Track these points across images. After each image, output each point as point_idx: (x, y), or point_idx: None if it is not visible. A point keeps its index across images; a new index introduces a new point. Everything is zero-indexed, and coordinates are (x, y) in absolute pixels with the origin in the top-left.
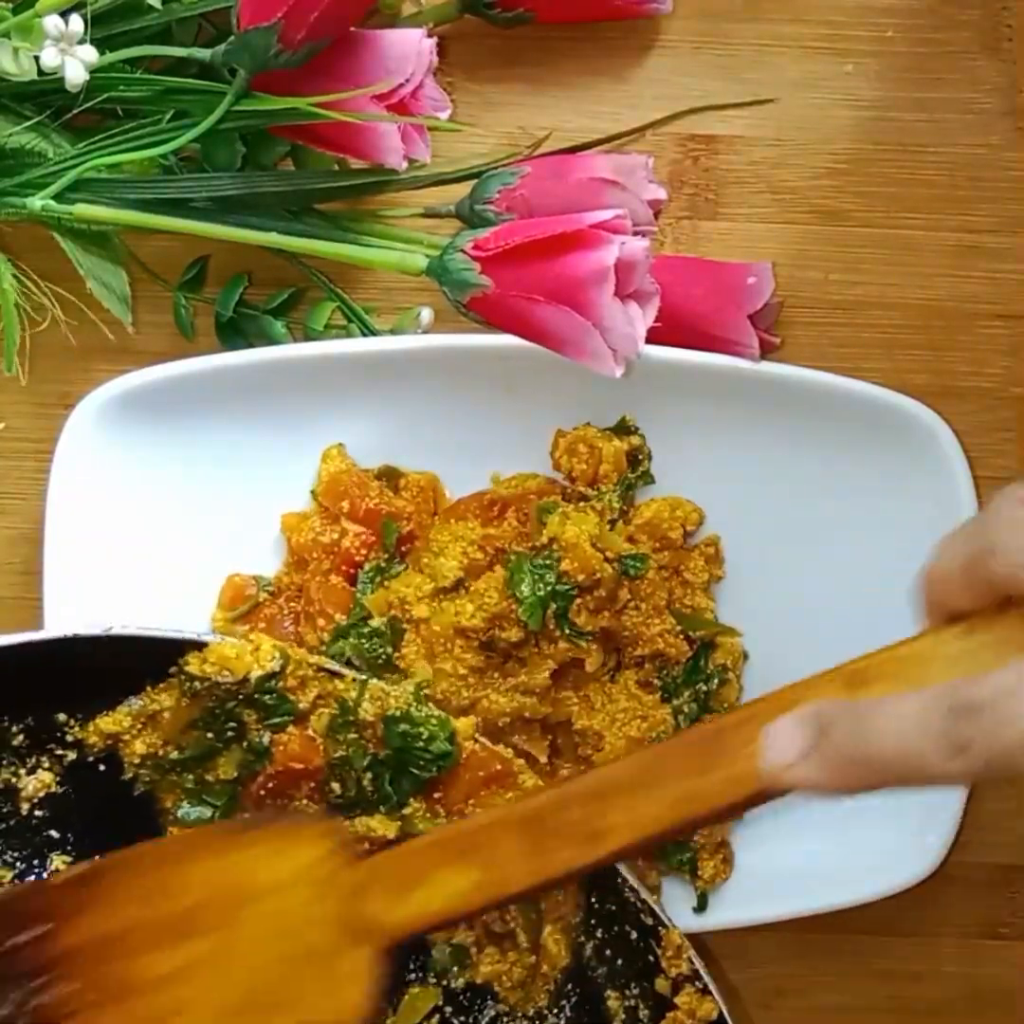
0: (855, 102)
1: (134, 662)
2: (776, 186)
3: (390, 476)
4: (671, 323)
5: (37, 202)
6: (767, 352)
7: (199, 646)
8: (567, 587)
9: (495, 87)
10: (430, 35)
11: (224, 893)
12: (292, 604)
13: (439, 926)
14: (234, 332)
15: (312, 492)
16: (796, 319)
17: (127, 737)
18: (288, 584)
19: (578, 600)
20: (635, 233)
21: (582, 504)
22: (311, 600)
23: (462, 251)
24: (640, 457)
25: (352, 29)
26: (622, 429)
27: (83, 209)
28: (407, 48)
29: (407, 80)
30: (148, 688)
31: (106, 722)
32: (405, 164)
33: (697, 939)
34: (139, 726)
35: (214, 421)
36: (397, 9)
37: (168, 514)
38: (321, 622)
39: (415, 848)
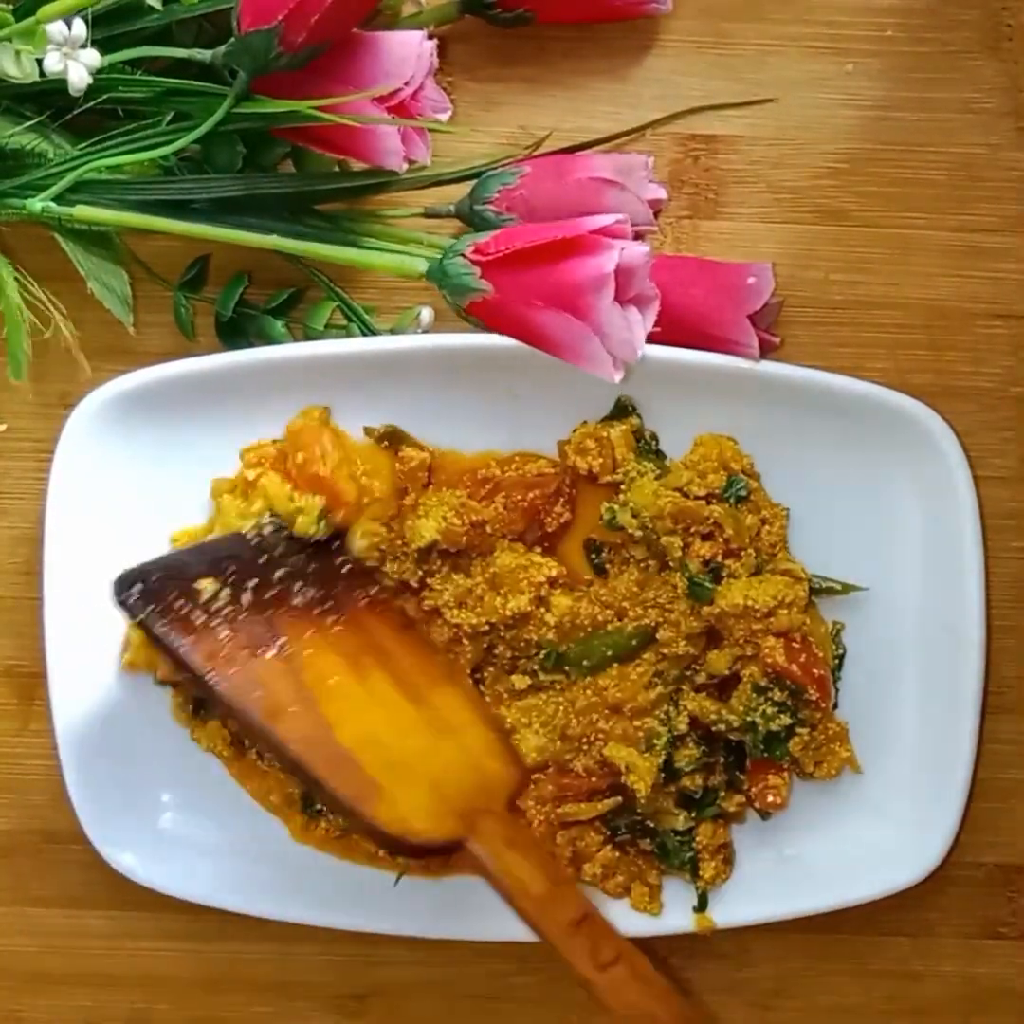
0: (856, 102)
1: None
2: (776, 186)
3: (393, 439)
4: (671, 323)
5: (37, 204)
6: (767, 352)
7: None
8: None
9: (495, 87)
10: (430, 35)
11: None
12: None
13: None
14: (234, 332)
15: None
16: (796, 319)
17: None
18: None
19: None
20: (635, 233)
21: (636, 472)
22: None
23: (462, 255)
24: (642, 435)
25: (353, 31)
26: (619, 411)
27: (83, 211)
28: (407, 50)
29: (407, 82)
30: None
31: None
32: (405, 166)
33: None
34: None
35: (214, 421)
36: (398, 9)
37: (167, 513)
38: None
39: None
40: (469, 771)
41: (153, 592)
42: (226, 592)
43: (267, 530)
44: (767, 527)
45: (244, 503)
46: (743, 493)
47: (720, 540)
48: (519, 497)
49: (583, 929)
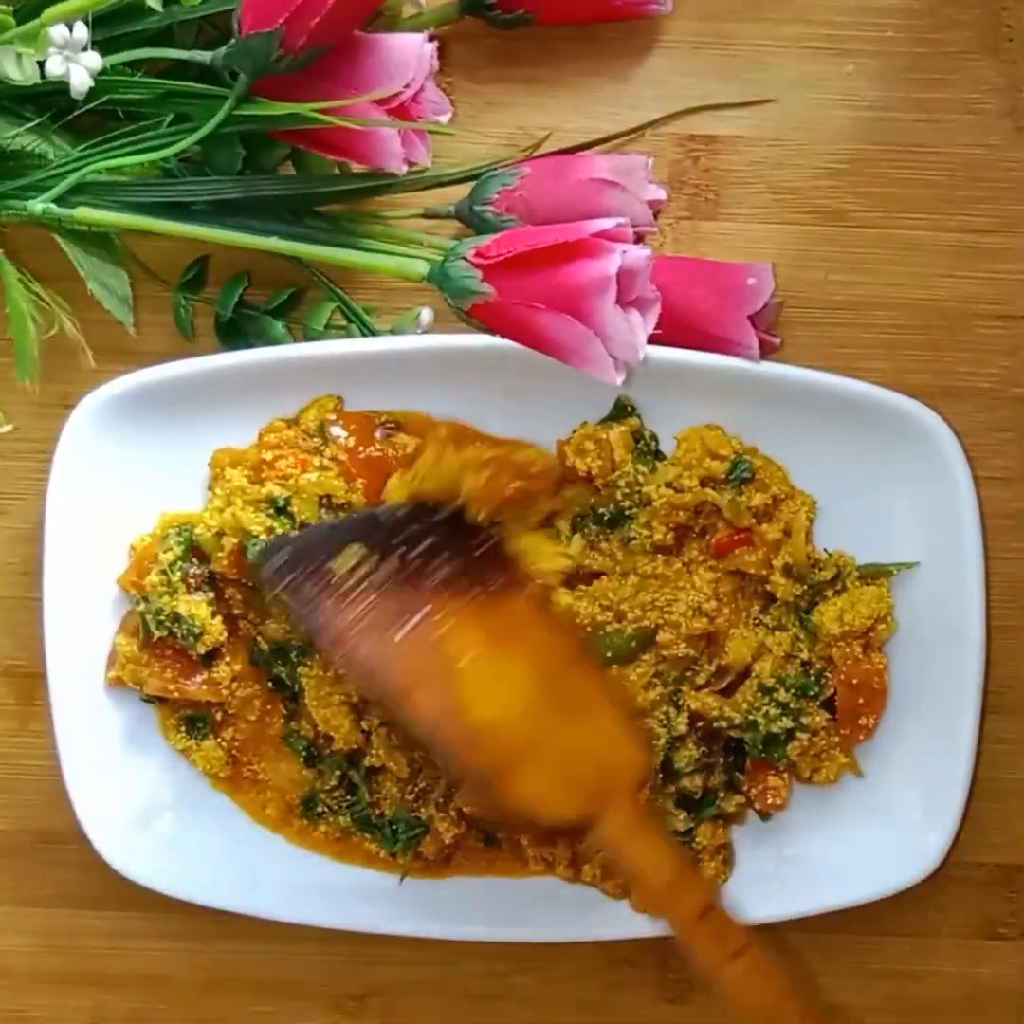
0: (855, 102)
1: None
2: (776, 186)
3: (389, 428)
4: (671, 323)
5: (38, 205)
6: (767, 352)
7: None
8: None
9: (495, 87)
10: (431, 37)
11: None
12: None
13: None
14: (234, 332)
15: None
16: (796, 319)
17: None
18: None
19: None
20: (635, 235)
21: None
22: None
23: (464, 258)
24: (641, 437)
25: (354, 33)
26: (619, 412)
27: (84, 213)
28: (408, 53)
29: (408, 85)
30: None
31: None
32: (405, 168)
33: None
34: None
35: (214, 421)
36: (398, 11)
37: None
38: None
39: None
40: (599, 754)
41: (294, 561)
42: (367, 564)
43: (401, 512)
44: (787, 503)
45: (253, 488)
46: (747, 474)
47: (722, 526)
48: (505, 479)
49: (708, 920)
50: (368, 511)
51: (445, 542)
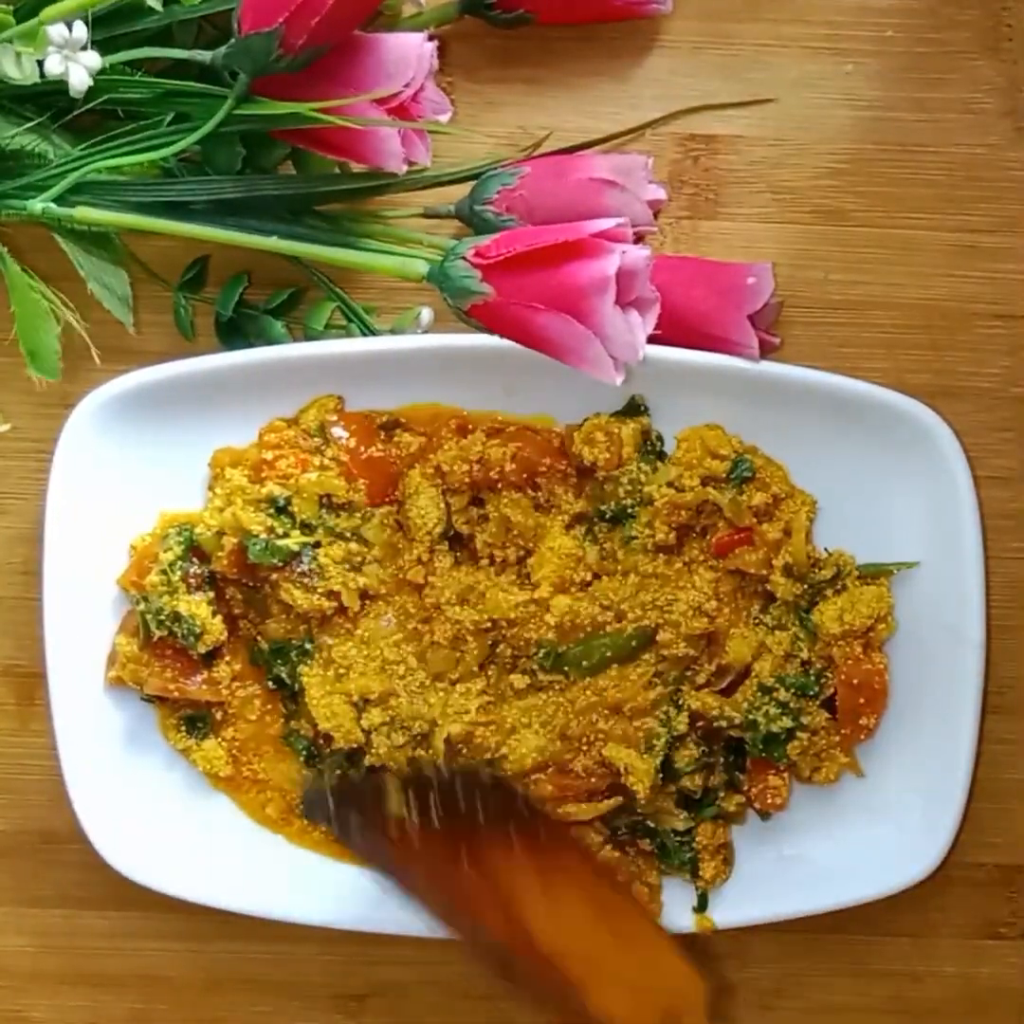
0: (855, 102)
1: None
2: (776, 186)
3: (389, 428)
4: (671, 323)
5: (38, 205)
6: (767, 352)
7: None
8: None
9: (495, 87)
10: (431, 36)
11: None
12: None
13: None
14: (234, 332)
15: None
16: (796, 319)
17: None
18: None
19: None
20: (635, 234)
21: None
22: None
23: (463, 259)
24: (649, 437)
25: (353, 33)
26: (632, 409)
27: (84, 212)
28: (408, 52)
29: (407, 84)
30: None
31: None
32: (405, 168)
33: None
34: None
35: (214, 421)
36: (398, 11)
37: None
38: None
39: None
40: (662, 977)
41: (349, 801)
42: (415, 812)
43: (445, 772)
44: (787, 502)
45: (253, 488)
46: (748, 474)
47: (723, 526)
48: (530, 451)
49: None
50: (416, 768)
51: (485, 801)
